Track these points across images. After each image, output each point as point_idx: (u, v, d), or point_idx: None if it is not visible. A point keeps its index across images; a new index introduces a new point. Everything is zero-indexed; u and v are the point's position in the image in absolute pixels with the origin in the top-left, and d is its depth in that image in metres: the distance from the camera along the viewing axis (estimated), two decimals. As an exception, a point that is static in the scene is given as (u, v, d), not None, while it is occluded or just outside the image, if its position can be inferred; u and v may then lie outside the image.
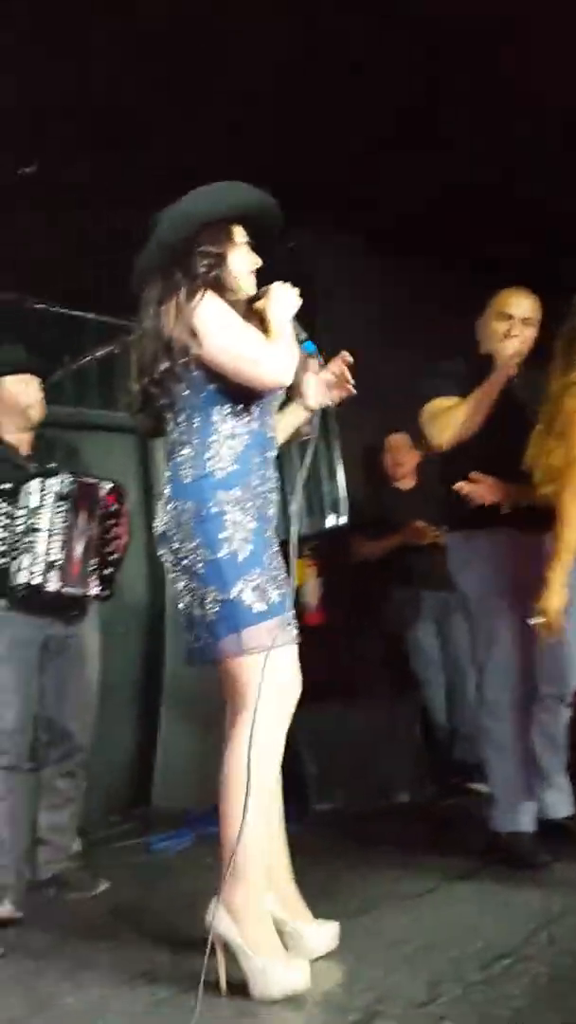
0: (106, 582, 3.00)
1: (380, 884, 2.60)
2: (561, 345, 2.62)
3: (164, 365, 2.09)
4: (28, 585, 2.83)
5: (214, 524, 2.03)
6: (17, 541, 2.87)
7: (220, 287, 2.13)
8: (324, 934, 2.08)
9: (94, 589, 2.96)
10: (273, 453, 2.21)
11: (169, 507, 2.10)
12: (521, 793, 2.66)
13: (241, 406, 2.11)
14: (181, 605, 2.10)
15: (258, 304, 2.19)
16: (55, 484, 2.90)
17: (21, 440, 3.12)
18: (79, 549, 2.92)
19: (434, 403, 2.83)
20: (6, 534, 2.88)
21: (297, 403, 2.33)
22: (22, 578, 2.83)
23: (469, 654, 3.09)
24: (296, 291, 2.20)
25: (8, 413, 3.10)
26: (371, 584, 4.30)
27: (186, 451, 2.11)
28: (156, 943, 2.28)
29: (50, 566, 2.84)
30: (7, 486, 2.91)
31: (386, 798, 3.81)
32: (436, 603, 4.07)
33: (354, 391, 2.33)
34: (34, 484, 2.90)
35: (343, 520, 4.92)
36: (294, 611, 2.10)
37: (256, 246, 2.24)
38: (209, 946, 1.87)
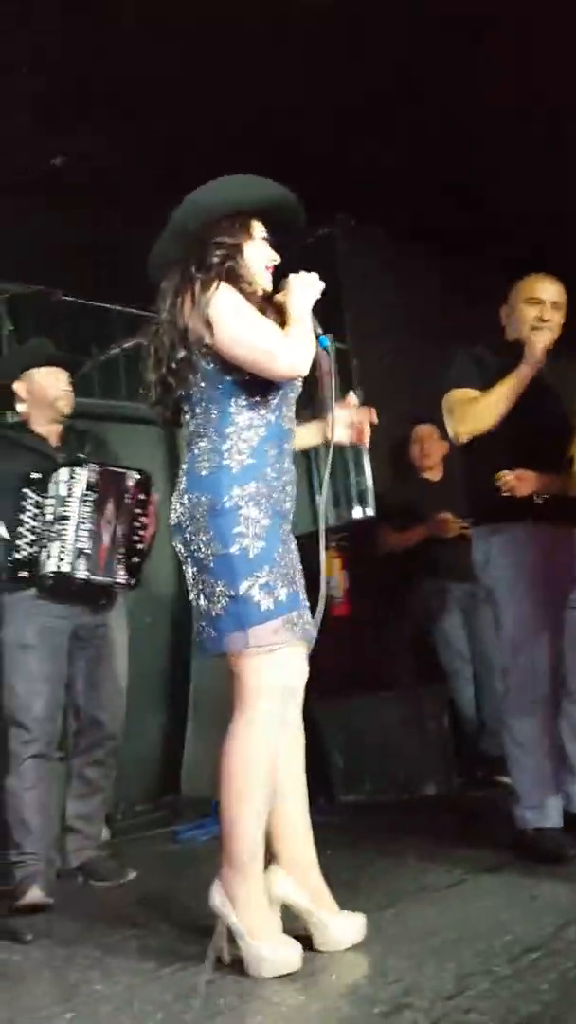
0: (133, 571, 3.01)
1: (406, 876, 2.60)
2: None
3: (180, 355, 2.09)
4: (57, 573, 2.86)
5: (228, 519, 2.02)
6: (46, 530, 2.90)
7: (235, 278, 2.12)
8: (350, 926, 2.08)
9: (121, 578, 2.98)
10: (291, 444, 2.19)
11: (184, 499, 2.10)
12: (547, 789, 2.63)
13: (258, 397, 2.10)
14: (191, 596, 2.11)
15: (278, 296, 2.18)
16: (83, 474, 2.92)
17: (50, 431, 3.14)
18: (107, 538, 2.94)
19: (454, 393, 2.79)
20: (36, 523, 2.91)
21: (317, 427, 2.32)
22: (51, 566, 2.86)
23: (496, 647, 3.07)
24: (316, 277, 2.18)
25: (38, 405, 3.12)
26: (398, 576, 4.28)
27: (203, 443, 2.10)
28: (184, 932, 2.29)
29: (78, 555, 2.87)
30: (37, 476, 2.94)
31: (412, 790, 3.80)
32: (463, 595, 4.05)
33: (367, 444, 2.35)
34: (63, 474, 2.93)
35: (370, 511, 4.90)
36: (308, 607, 2.09)
37: (279, 242, 2.23)
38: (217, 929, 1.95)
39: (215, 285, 2.07)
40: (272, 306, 2.17)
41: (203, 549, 2.04)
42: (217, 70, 3.42)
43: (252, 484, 2.05)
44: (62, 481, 2.92)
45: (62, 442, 3.14)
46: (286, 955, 1.93)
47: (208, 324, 2.04)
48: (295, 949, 1.95)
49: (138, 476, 3.05)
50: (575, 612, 2.73)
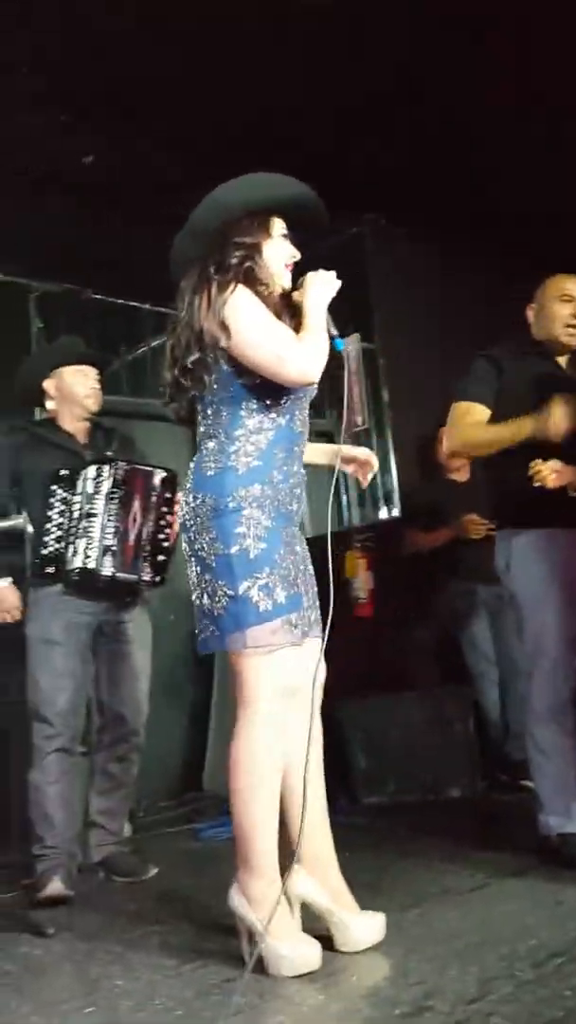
0: (159, 569, 3.02)
1: (429, 878, 2.58)
2: None
3: (195, 356, 2.10)
4: (83, 570, 2.87)
5: (230, 519, 2.03)
6: (73, 526, 2.91)
7: (252, 279, 2.12)
8: (371, 926, 2.08)
9: (147, 576, 2.99)
10: (301, 448, 2.19)
11: (190, 498, 2.12)
12: (570, 794, 2.60)
13: (268, 401, 2.11)
14: (194, 595, 2.12)
15: (295, 295, 2.18)
16: (111, 472, 2.93)
17: (79, 429, 3.15)
18: (133, 536, 2.95)
19: (460, 406, 2.77)
20: (63, 520, 2.93)
21: (328, 450, 2.37)
22: (77, 563, 2.88)
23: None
24: (332, 274, 2.18)
25: (67, 402, 3.14)
26: (423, 577, 4.26)
27: (212, 444, 2.12)
28: (204, 929, 2.30)
29: (105, 552, 2.88)
30: (65, 473, 2.96)
31: (436, 793, 3.78)
32: (490, 597, 4.02)
33: (365, 484, 2.43)
34: (90, 471, 2.94)
35: (396, 512, 4.88)
36: (306, 609, 2.10)
37: (303, 239, 2.23)
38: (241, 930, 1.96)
39: (231, 287, 2.07)
40: (289, 307, 2.17)
41: (206, 548, 2.06)
42: (217, 70, 3.42)
43: (256, 486, 2.06)
44: (90, 478, 2.94)
45: (90, 439, 3.16)
46: (306, 954, 1.93)
47: (223, 327, 2.05)
48: (314, 948, 1.95)
49: (164, 474, 3.06)
50: None
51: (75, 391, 3.13)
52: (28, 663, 2.93)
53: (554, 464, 2.53)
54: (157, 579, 3.03)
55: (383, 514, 4.93)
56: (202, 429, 2.16)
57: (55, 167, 3.81)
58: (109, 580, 2.91)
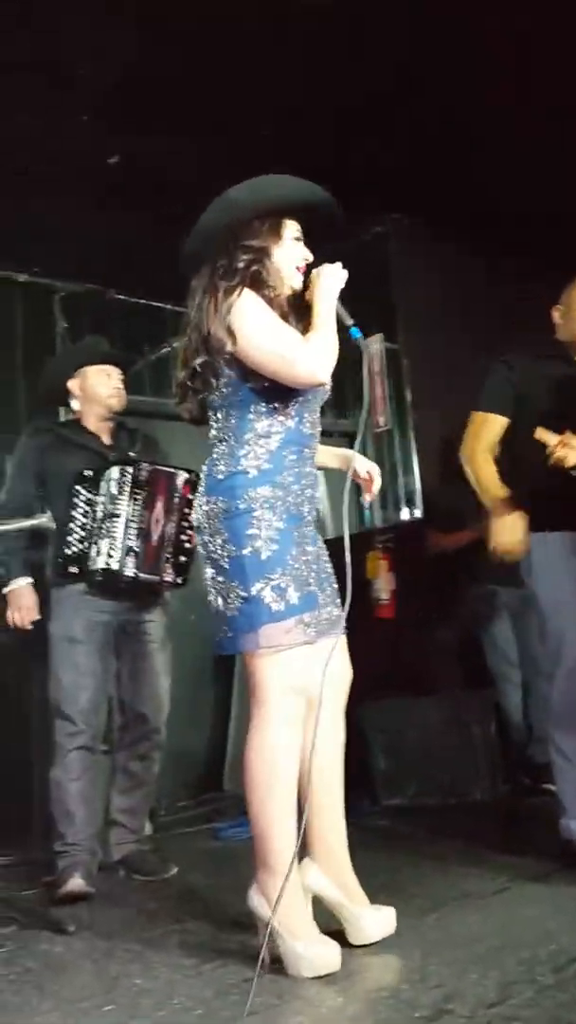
0: (181, 570, 3.03)
1: (449, 882, 2.57)
2: None
3: (202, 359, 2.11)
4: (106, 570, 2.89)
5: (241, 521, 2.05)
6: (97, 527, 2.93)
7: (259, 282, 2.12)
8: (381, 919, 2.11)
9: (169, 576, 3.00)
10: (312, 449, 2.20)
11: (202, 501, 2.13)
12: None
13: (277, 404, 2.12)
14: (209, 597, 2.14)
15: (307, 295, 2.18)
16: (133, 472, 2.95)
17: (102, 429, 3.17)
18: (155, 537, 2.97)
19: (477, 417, 2.82)
20: (86, 520, 2.94)
21: (340, 459, 2.38)
22: (100, 563, 2.89)
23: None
24: (338, 266, 2.18)
25: (90, 402, 3.16)
26: (445, 578, 4.24)
27: (222, 447, 2.13)
28: (224, 929, 2.30)
29: (127, 552, 2.90)
30: (89, 473, 2.97)
31: (457, 795, 3.76)
32: (512, 599, 4.00)
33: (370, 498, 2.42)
34: (114, 472, 2.95)
35: (417, 513, 4.87)
36: (321, 608, 2.10)
37: (317, 241, 2.22)
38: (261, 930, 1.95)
39: (238, 291, 2.08)
40: (300, 308, 2.17)
41: (219, 551, 2.08)
42: (217, 70, 3.42)
43: (267, 488, 2.07)
44: (113, 479, 2.95)
45: (114, 440, 3.17)
46: (325, 955, 1.93)
47: (230, 331, 2.07)
48: (334, 949, 1.95)
49: (187, 475, 3.07)
50: None
51: (98, 391, 3.14)
52: (51, 661, 2.95)
53: (566, 438, 2.50)
54: (179, 580, 3.04)
55: (405, 515, 4.91)
56: (213, 432, 2.18)
57: (78, 168, 3.82)
58: (131, 580, 2.92)
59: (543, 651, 2.78)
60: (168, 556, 3.00)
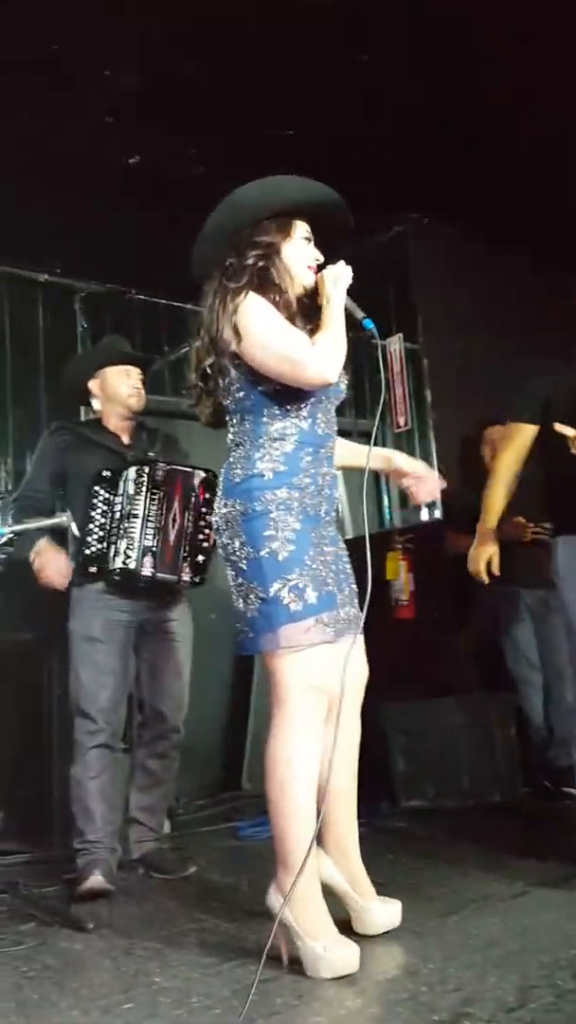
0: (198, 570, 3.03)
1: (469, 884, 2.56)
2: None
3: (211, 361, 2.14)
4: (124, 570, 2.90)
5: (259, 523, 2.06)
6: (115, 527, 2.94)
7: (266, 284, 2.13)
8: (387, 911, 2.16)
9: (186, 576, 3.01)
10: (328, 449, 2.20)
11: (220, 504, 2.15)
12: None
13: (289, 407, 2.13)
14: (233, 598, 2.15)
15: (316, 297, 2.18)
16: (152, 472, 2.95)
17: (123, 428, 3.18)
18: (173, 536, 2.97)
19: (511, 427, 2.86)
20: (105, 520, 2.96)
21: (379, 459, 2.38)
22: (118, 562, 2.90)
23: (567, 655, 3.00)
24: (341, 264, 2.18)
25: (110, 402, 3.17)
26: (465, 580, 4.22)
27: (239, 451, 2.15)
28: (243, 928, 2.30)
29: (145, 552, 2.90)
30: (107, 473, 2.98)
31: (477, 798, 3.74)
32: (534, 601, 3.97)
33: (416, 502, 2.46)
34: (131, 472, 2.96)
35: (438, 514, 4.85)
36: (340, 608, 2.10)
37: (328, 241, 2.23)
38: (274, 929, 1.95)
39: (244, 294, 2.09)
40: (306, 311, 2.17)
41: (237, 553, 2.10)
42: (217, 70, 3.41)
43: (284, 490, 2.08)
44: (131, 479, 2.96)
45: (133, 439, 3.18)
46: (344, 955, 1.93)
47: (236, 333, 2.08)
48: (353, 951, 1.95)
49: (204, 475, 3.07)
50: None
51: (118, 391, 3.15)
52: (71, 659, 2.96)
53: None
54: (197, 579, 3.04)
55: (425, 516, 4.89)
56: (230, 437, 2.21)
57: (98, 168, 3.83)
58: (149, 580, 2.93)
59: (569, 655, 2.76)
60: (185, 555, 3.00)
